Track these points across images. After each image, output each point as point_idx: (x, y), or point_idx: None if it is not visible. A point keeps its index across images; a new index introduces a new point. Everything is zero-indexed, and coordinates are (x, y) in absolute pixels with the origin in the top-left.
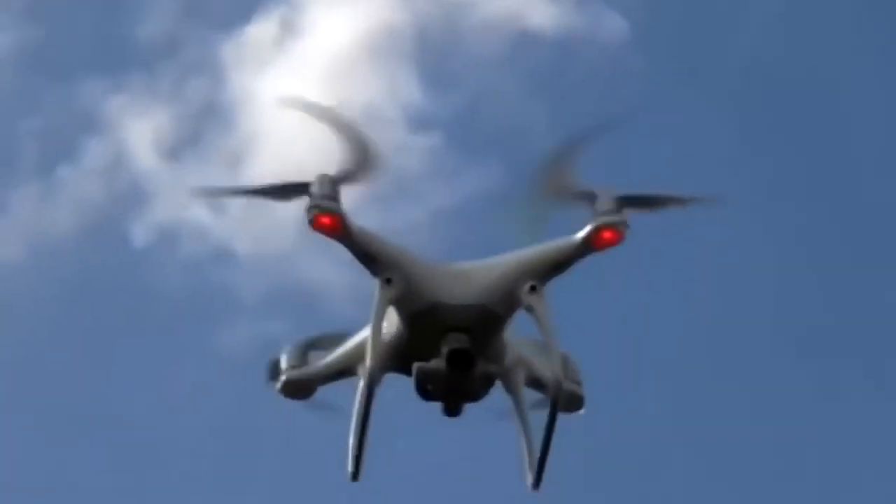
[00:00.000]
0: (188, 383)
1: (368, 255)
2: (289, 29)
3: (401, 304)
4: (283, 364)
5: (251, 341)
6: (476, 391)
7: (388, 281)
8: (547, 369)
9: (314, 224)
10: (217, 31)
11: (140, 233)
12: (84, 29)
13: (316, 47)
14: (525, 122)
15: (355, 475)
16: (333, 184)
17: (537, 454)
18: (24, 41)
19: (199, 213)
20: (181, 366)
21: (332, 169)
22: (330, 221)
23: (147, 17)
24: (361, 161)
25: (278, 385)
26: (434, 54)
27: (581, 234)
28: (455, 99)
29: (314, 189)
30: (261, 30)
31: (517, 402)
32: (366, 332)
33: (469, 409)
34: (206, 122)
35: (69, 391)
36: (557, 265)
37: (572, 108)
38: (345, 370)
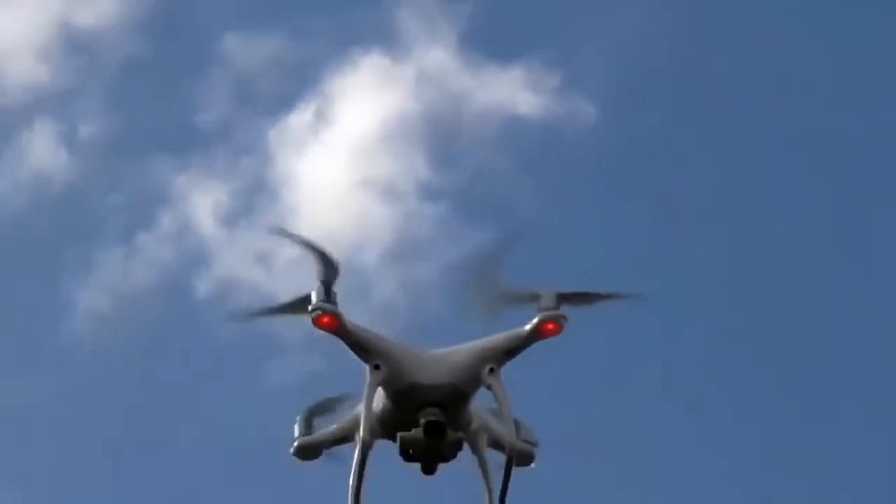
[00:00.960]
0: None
1: (360, 346)
2: (322, 117)
3: (386, 384)
4: (295, 433)
5: (297, 377)
6: (448, 454)
7: (376, 367)
8: (504, 433)
9: (316, 324)
10: (264, 119)
11: (202, 287)
12: (155, 117)
13: (343, 132)
14: (516, 193)
15: None
16: (327, 289)
17: (497, 501)
18: (107, 128)
19: (253, 271)
20: (235, 398)
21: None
22: (328, 320)
23: (206, 106)
24: (331, 271)
25: (292, 451)
26: (440, 137)
27: (528, 326)
28: (459, 174)
29: (314, 297)
30: (300, 118)
31: (481, 461)
32: (359, 408)
33: (442, 468)
34: (256, 195)
35: (147, 418)
36: (510, 351)
37: (555, 184)
38: (345, 437)
